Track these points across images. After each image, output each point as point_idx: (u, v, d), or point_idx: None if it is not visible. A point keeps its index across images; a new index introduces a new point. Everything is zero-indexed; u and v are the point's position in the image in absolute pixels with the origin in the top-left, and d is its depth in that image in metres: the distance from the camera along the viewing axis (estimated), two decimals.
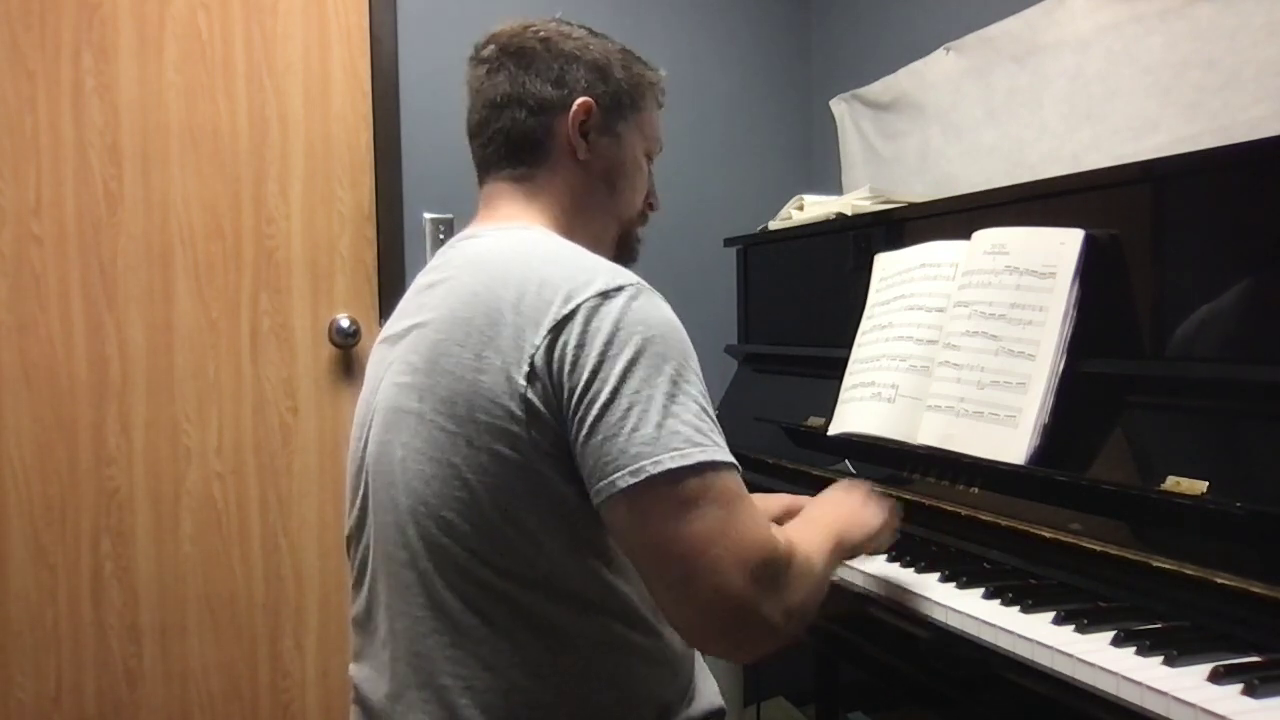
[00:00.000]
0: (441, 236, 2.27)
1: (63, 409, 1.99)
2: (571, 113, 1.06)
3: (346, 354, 2.19)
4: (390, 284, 2.21)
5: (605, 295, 0.89)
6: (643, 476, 0.83)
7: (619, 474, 0.84)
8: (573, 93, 1.06)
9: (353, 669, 1.06)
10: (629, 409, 0.85)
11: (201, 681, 2.10)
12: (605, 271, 0.93)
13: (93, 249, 2.01)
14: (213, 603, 2.10)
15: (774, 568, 0.86)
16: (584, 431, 0.86)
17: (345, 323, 2.17)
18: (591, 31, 1.11)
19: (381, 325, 2.18)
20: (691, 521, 0.84)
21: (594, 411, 0.86)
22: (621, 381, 0.86)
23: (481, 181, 1.12)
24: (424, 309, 1.00)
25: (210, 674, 2.10)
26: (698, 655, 1.08)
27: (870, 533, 1.08)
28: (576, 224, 1.07)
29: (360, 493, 1.05)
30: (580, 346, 0.87)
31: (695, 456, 0.84)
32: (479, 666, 0.91)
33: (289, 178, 2.14)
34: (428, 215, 2.27)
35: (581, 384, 0.87)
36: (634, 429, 0.84)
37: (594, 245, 1.03)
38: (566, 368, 0.87)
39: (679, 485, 0.84)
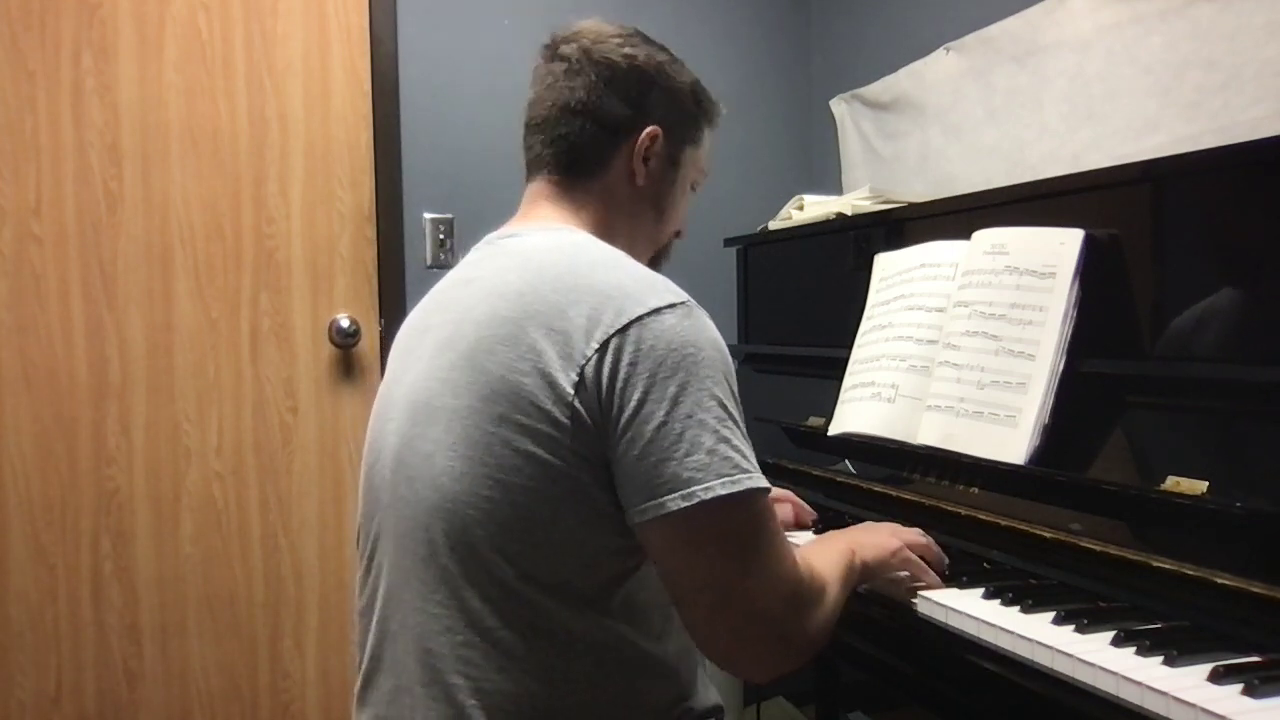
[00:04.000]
0: (441, 236, 2.27)
1: (63, 409, 2.00)
2: (640, 138, 1.06)
3: (346, 354, 2.19)
4: (390, 284, 2.21)
5: (659, 311, 0.89)
6: (694, 501, 0.85)
7: (670, 496, 0.86)
8: (646, 117, 1.07)
9: (358, 660, 1.06)
10: (682, 433, 0.86)
11: (201, 681, 2.10)
12: (659, 286, 0.93)
13: (93, 249, 2.01)
14: (213, 603, 2.10)
15: (802, 595, 0.92)
16: (635, 450, 0.87)
17: (345, 323, 2.17)
18: (671, 56, 1.11)
19: (382, 325, 2.19)
20: (734, 549, 0.88)
21: (647, 432, 0.87)
22: (675, 404, 0.87)
23: (528, 178, 1.11)
24: (461, 304, 0.99)
25: (210, 674, 2.11)
26: (697, 655, 1.09)
27: (884, 558, 1.10)
28: (617, 241, 1.06)
29: (375, 483, 1.04)
30: (634, 364, 0.88)
31: (744, 483, 0.87)
32: (491, 668, 0.91)
33: (289, 178, 2.14)
34: (428, 215, 2.27)
35: (634, 403, 0.87)
36: (687, 453, 0.86)
37: None
38: (619, 384, 0.88)
39: (725, 512, 0.87)
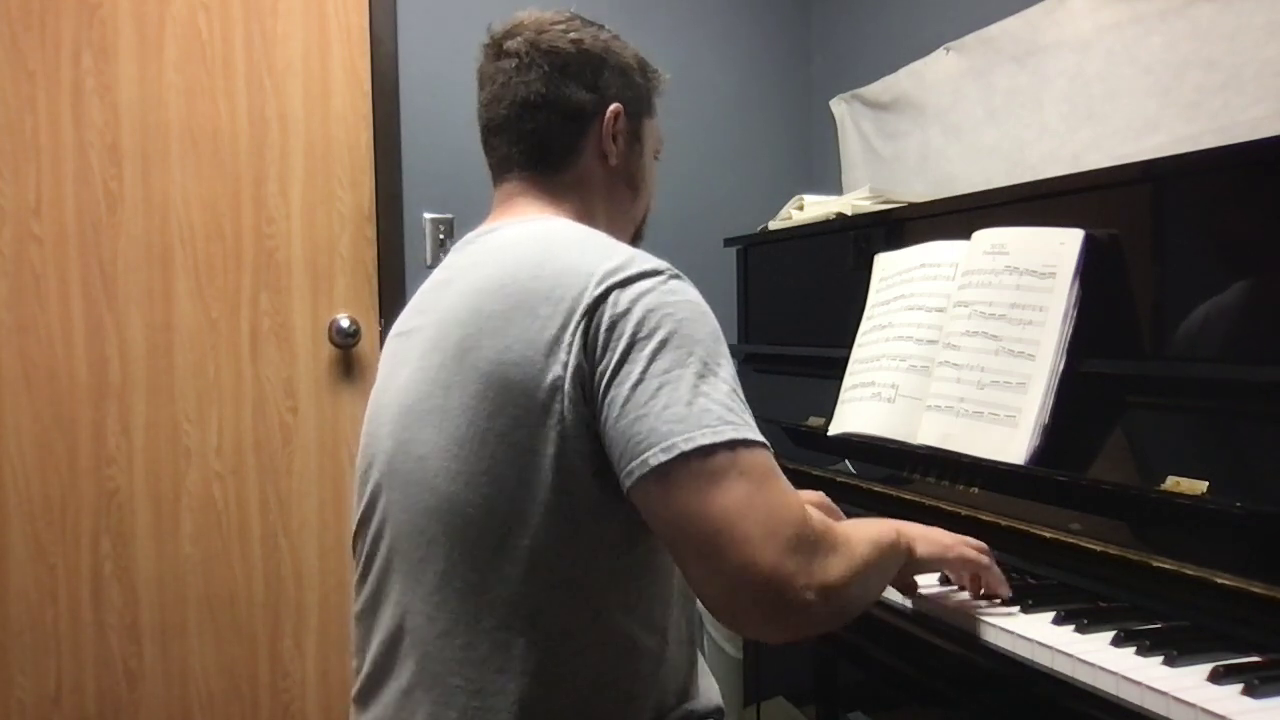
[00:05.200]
0: (441, 236, 2.27)
1: (63, 409, 2.00)
2: (605, 119, 1.07)
3: (346, 354, 2.19)
4: (390, 284, 2.21)
5: (637, 279, 0.89)
6: (675, 453, 0.83)
7: (651, 451, 0.83)
8: (605, 98, 1.07)
9: (355, 664, 1.06)
10: (659, 388, 0.85)
11: (201, 681, 2.10)
12: (638, 257, 0.92)
13: (93, 249, 2.01)
14: (213, 603, 2.10)
15: (806, 540, 0.84)
16: (614, 412, 0.86)
17: (345, 323, 2.17)
18: (613, 33, 1.11)
19: (382, 325, 2.19)
20: (722, 495, 0.83)
21: (624, 392, 0.85)
22: (651, 362, 0.85)
23: (498, 179, 1.10)
24: (443, 304, 0.99)
25: (210, 674, 2.11)
26: (698, 654, 1.08)
27: (934, 552, 1.03)
28: (599, 226, 1.06)
29: (370, 489, 1.04)
30: (611, 329, 0.87)
31: (727, 433, 0.84)
32: (491, 670, 0.91)
33: (289, 178, 2.14)
34: (428, 215, 2.27)
35: (612, 366, 0.86)
36: (665, 406, 0.84)
37: None
38: (598, 351, 0.87)
39: (710, 460, 0.83)
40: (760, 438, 0.87)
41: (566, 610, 0.91)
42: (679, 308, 0.89)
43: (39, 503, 1.99)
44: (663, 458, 0.83)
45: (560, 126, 1.05)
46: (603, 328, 0.87)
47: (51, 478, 1.99)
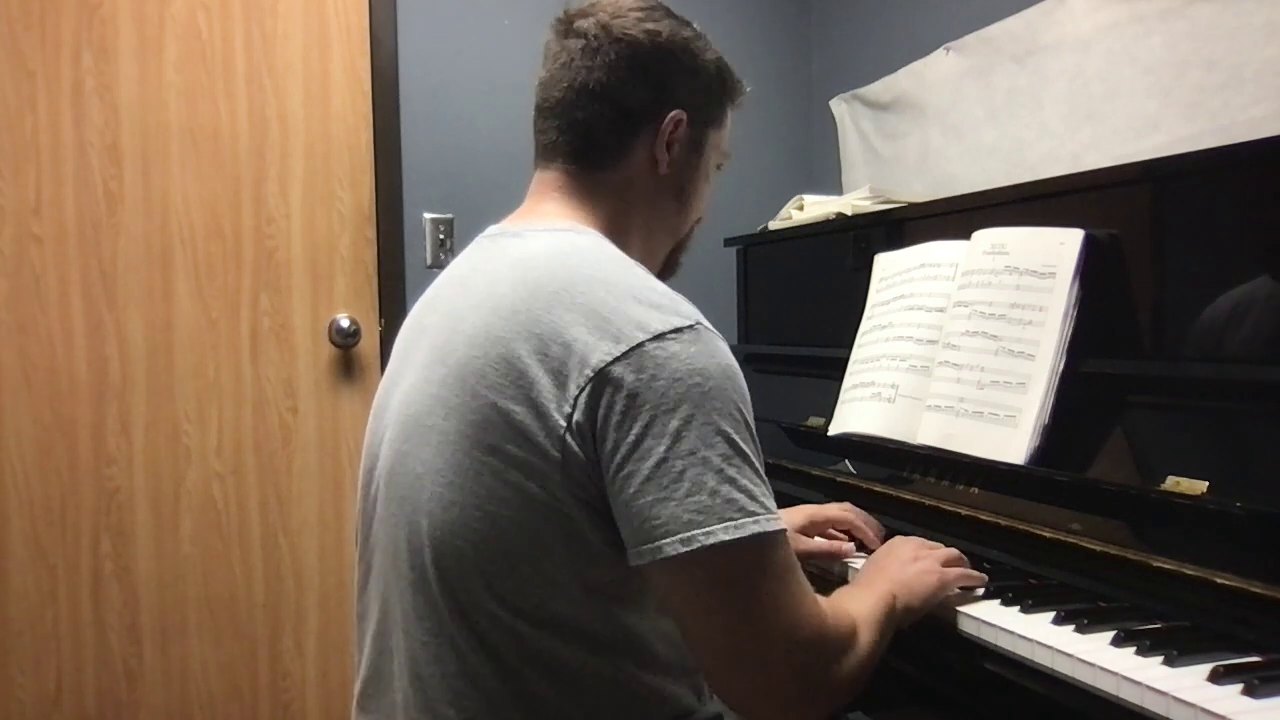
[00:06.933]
0: (441, 236, 2.27)
1: (63, 409, 2.00)
2: (663, 125, 0.99)
3: (346, 354, 2.19)
4: (390, 284, 2.22)
5: (663, 337, 0.83)
6: (694, 546, 0.79)
7: (668, 540, 0.80)
8: (669, 103, 1.00)
9: (355, 659, 1.04)
10: (683, 471, 0.80)
11: (201, 681, 2.10)
12: (665, 307, 0.86)
13: (93, 249, 2.01)
14: (213, 603, 2.10)
15: (820, 643, 0.85)
16: (632, 489, 0.81)
17: (345, 323, 2.17)
18: (696, 31, 1.03)
19: (382, 325, 2.19)
20: (740, 595, 0.81)
21: (645, 469, 0.81)
22: (677, 440, 0.81)
23: (539, 164, 1.03)
24: (455, 310, 0.94)
25: (210, 674, 2.11)
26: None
27: (927, 597, 1.03)
28: (633, 236, 1.01)
29: (372, 491, 1.00)
30: (633, 396, 0.81)
31: (749, 528, 0.81)
32: (481, 701, 0.87)
33: (289, 178, 2.14)
34: (428, 215, 2.27)
35: (633, 438, 0.81)
36: (688, 494, 0.80)
37: (645, 259, 0.98)
38: (616, 417, 0.82)
39: (730, 558, 0.81)
40: (779, 525, 0.84)
41: (558, 647, 0.88)
42: (708, 374, 0.83)
43: (39, 503, 1.99)
44: (681, 549, 0.80)
45: (613, 121, 0.98)
46: (623, 392, 0.81)
47: (51, 478, 1.99)
